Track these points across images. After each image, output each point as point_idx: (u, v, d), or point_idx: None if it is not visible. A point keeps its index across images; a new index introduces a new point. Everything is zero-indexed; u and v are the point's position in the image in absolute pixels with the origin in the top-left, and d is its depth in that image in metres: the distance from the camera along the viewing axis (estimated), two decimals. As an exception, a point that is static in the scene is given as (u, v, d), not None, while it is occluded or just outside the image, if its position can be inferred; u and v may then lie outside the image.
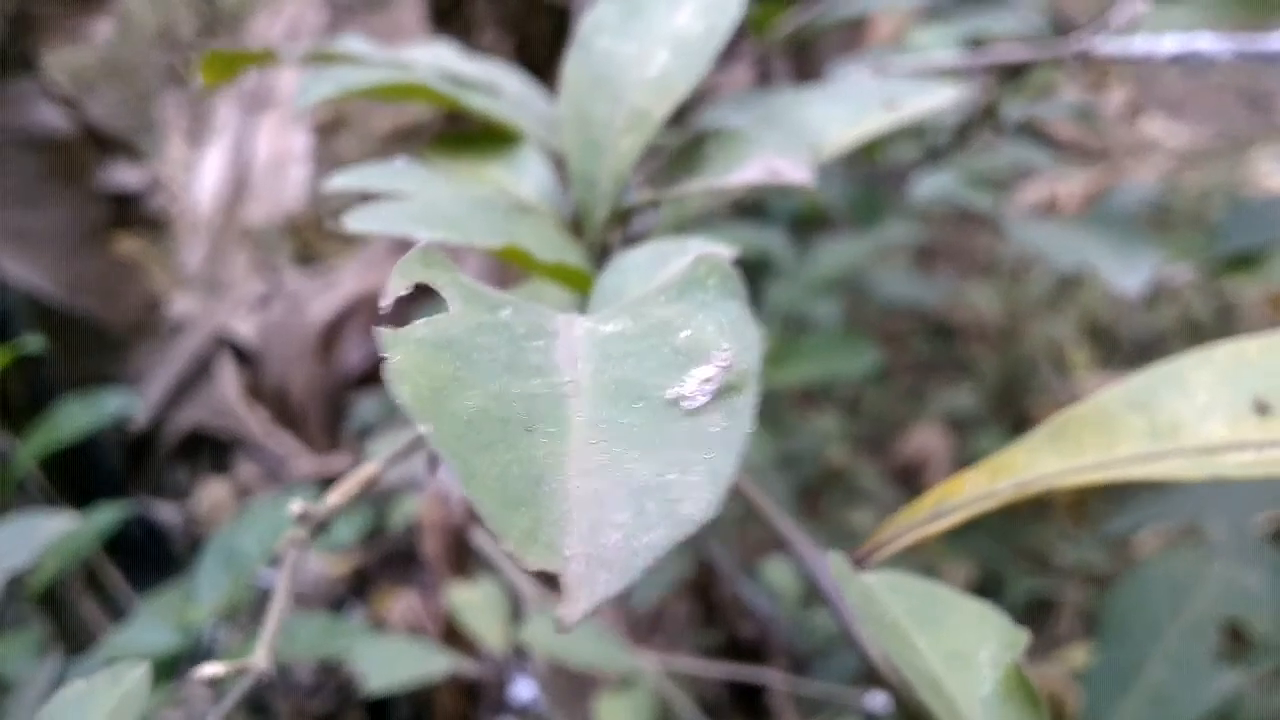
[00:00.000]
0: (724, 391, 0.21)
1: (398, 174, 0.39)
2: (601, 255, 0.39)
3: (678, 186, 0.37)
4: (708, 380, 0.21)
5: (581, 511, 0.18)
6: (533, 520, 0.17)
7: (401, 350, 0.20)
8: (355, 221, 0.32)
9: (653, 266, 0.32)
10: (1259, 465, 0.27)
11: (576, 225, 0.41)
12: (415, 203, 0.34)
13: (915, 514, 0.32)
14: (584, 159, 0.38)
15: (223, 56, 0.47)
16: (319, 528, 0.42)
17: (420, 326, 0.21)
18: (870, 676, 0.29)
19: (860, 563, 0.33)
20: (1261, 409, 0.29)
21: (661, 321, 0.23)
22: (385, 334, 0.20)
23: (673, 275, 0.25)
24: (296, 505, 0.41)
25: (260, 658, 0.39)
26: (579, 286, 0.33)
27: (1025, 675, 0.27)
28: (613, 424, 0.20)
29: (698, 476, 0.19)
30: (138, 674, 0.35)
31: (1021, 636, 0.28)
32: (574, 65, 0.41)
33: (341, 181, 0.39)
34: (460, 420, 0.19)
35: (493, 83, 0.47)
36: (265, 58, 0.47)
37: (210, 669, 0.38)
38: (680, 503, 0.18)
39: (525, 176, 0.43)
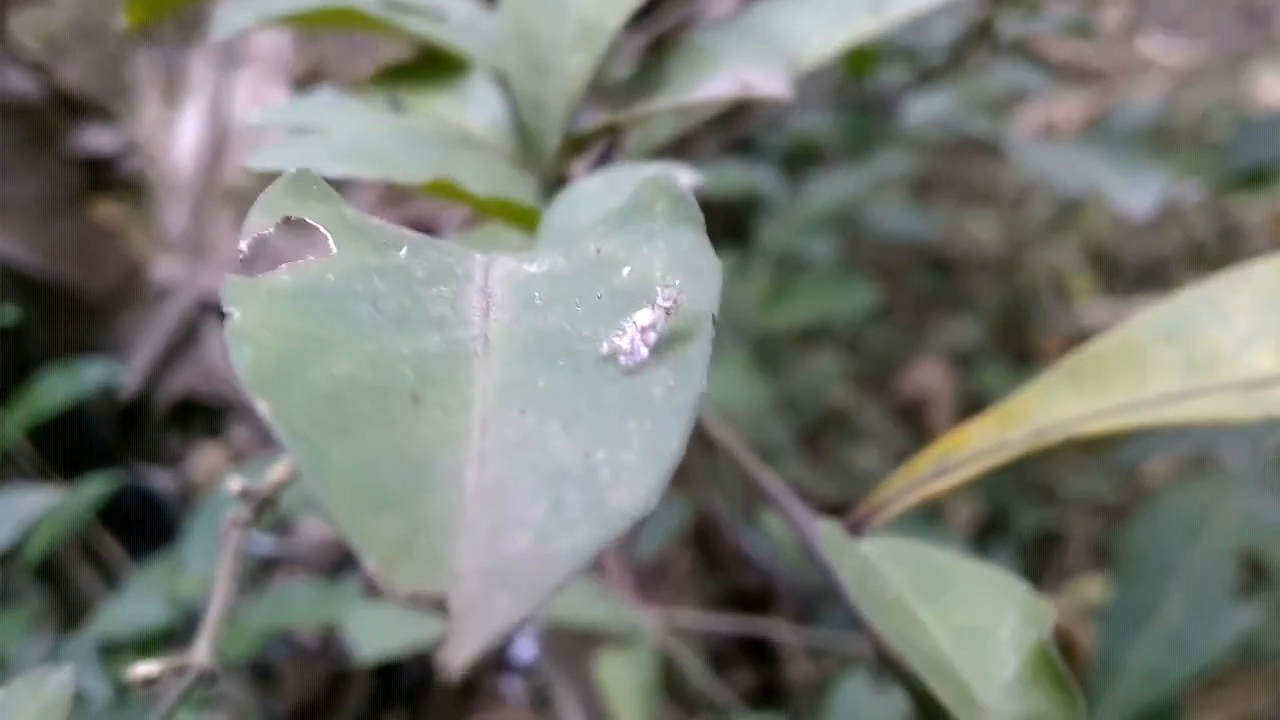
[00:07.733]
0: (670, 341, 0.16)
1: (324, 107, 0.34)
2: (556, 189, 0.34)
3: (637, 107, 0.33)
4: (649, 328, 0.16)
5: (480, 508, 0.13)
6: (407, 523, 0.13)
7: (247, 303, 0.15)
8: (261, 159, 0.27)
9: (606, 197, 0.27)
10: (1320, 401, 0.23)
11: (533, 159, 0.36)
12: (336, 137, 0.30)
13: (916, 470, 0.28)
14: (529, 80, 0.33)
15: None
16: (264, 505, 0.38)
17: (281, 273, 0.16)
18: (882, 661, 0.25)
19: (858, 528, 0.29)
20: (1317, 334, 0.25)
21: (599, 257, 0.19)
22: (229, 282, 0.16)
23: (616, 203, 0.21)
24: (235, 483, 0.37)
25: (201, 652, 0.35)
26: (525, 223, 0.29)
27: (1053, 655, 0.23)
28: (528, 388, 0.16)
29: (633, 455, 0.14)
30: (59, 681, 0.32)
31: (1049, 610, 0.24)
32: (514, -27, 0.36)
33: (263, 118, 0.34)
34: (316, 393, 0.14)
35: (438, 4, 0.42)
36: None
37: (144, 668, 0.34)
38: (611, 490, 0.14)
39: (474, 107, 0.38)
